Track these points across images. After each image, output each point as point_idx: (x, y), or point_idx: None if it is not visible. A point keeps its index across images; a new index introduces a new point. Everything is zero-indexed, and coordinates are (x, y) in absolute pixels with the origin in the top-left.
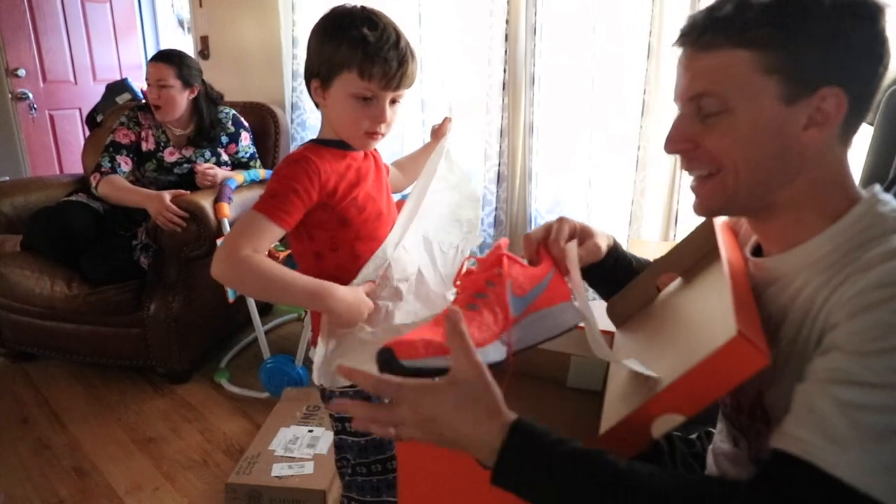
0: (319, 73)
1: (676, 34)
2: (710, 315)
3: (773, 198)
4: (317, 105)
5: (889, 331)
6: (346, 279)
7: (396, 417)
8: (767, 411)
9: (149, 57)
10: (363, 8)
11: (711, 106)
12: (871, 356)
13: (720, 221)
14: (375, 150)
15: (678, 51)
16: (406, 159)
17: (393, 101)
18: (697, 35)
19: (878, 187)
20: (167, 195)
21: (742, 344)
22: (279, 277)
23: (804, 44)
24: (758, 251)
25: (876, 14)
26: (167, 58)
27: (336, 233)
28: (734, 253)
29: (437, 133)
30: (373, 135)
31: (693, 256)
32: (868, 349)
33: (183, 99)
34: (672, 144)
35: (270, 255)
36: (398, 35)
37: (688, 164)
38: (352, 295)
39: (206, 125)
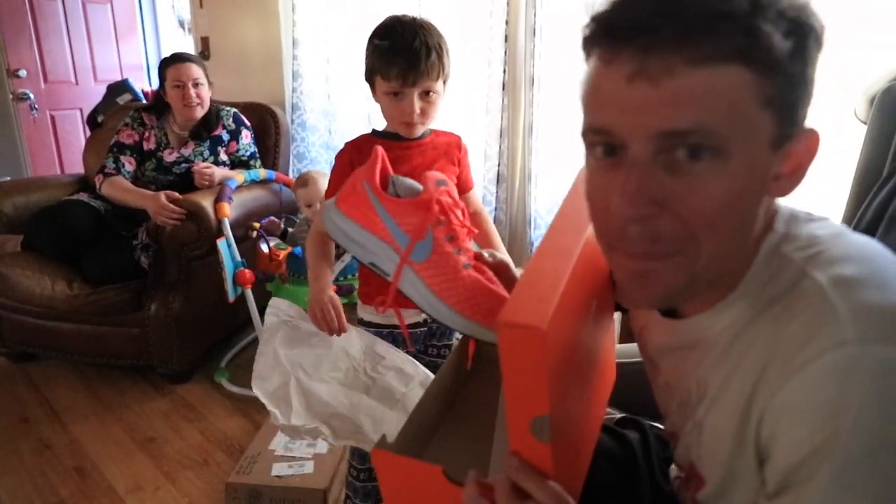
0: (367, 79)
1: (607, 19)
2: None
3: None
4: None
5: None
6: None
7: None
8: (698, 470)
9: (152, 59)
10: (393, 18)
11: (697, 149)
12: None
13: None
14: (454, 150)
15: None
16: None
17: (427, 93)
18: (683, 31)
19: (786, 212)
20: (163, 195)
21: (507, 331)
22: (312, 259)
23: (805, 68)
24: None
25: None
26: (192, 58)
27: None
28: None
29: None
30: (408, 124)
31: None
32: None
33: (209, 95)
34: (632, 206)
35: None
36: (413, 37)
37: (636, 242)
38: (317, 292)
39: (211, 116)
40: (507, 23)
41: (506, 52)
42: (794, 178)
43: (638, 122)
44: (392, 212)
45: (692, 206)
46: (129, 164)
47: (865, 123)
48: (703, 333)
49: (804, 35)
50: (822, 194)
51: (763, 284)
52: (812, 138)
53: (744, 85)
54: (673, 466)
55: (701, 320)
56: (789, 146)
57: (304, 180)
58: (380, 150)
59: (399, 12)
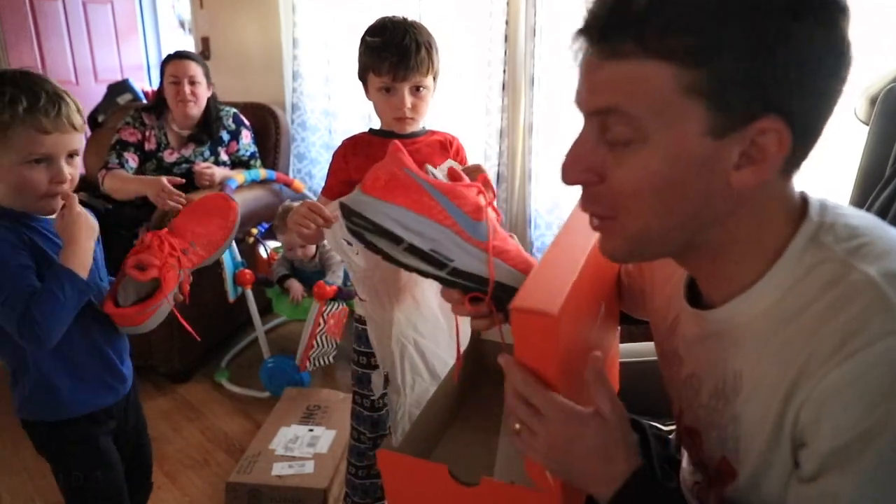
0: (360, 77)
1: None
2: None
3: (697, 240)
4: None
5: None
6: None
7: (535, 425)
8: (731, 464)
9: (152, 59)
10: (384, 18)
11: (620, 131)
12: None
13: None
14: (448, 146)
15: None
16: None
17: (417, 89)
18: (601, 34)
19: (816, 202)
20: (164, 179)
21: (520, 316)
22: None
23: (730, 58)
24: (694, 291)
25: (836, 17)
26: (192, 56)
27: None
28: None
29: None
30: (400, 119)
31: None
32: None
33: (206, 96)
34: (572, 173)
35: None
36: (404, 34)
37: (585, 202)
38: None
39: (211, 120)
40: (506, 23)
41: (506, 52)
42: (762, 167)
43: (580, 101)
44: (451, 195)
45: (618, 179)
46: (132, 160)
47: (866, 124)
48: (734, 321)
49: (721, 21)
50: (822, 195)
51: (802, 274)
52: (776, 130)
53: (658, 76)
54: (687, 470)
55: (730, 308)
56: (741, 135)
57: (283, 224)
58: (398, 143)
59: (399, 14)
